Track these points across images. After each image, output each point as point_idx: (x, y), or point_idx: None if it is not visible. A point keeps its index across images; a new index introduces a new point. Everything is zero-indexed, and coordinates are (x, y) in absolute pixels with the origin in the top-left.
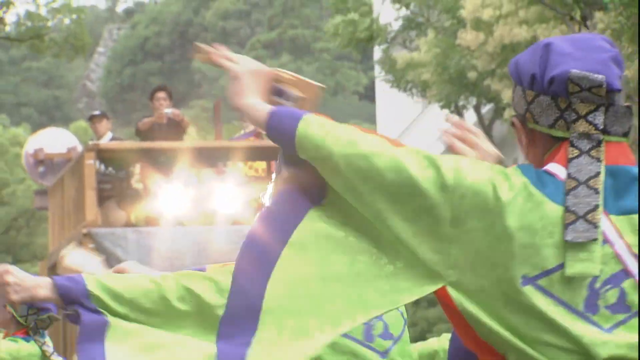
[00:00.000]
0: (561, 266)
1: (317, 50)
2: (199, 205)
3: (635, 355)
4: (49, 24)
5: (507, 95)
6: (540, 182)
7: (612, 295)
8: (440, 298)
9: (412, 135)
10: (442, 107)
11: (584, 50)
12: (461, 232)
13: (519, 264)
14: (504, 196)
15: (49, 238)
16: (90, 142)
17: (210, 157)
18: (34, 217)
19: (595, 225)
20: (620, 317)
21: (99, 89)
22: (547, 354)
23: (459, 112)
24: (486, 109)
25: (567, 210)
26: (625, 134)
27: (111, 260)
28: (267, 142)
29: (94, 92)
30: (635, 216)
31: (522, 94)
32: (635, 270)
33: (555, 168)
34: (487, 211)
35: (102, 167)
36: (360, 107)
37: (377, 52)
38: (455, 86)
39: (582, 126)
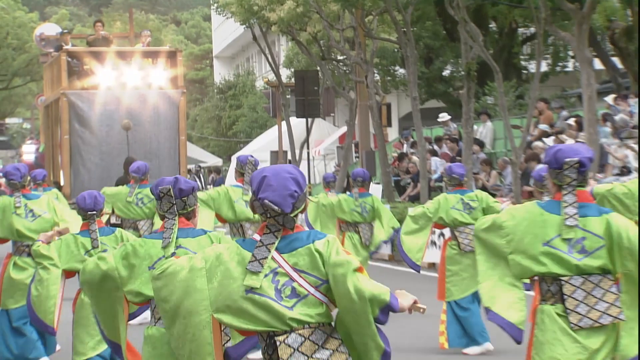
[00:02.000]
0: None
1: None
2: (118, 79)
3: (310, 319)
4: None
5: (274, 17)
6: (246, 245)
7: (288, 290)
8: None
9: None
10: (241, 24)
11: (279, 185)
12: (214, 285)
13: (241, 286)
14: (224, 258)
15: (44, 89)
16: (64, 47)
17: (124, 55)
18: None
19: (262, 266)
20: (294, 300)
21: None
22: (263, 325)
23: (249, 26)
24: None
25: (252, 255)
26: (292, 228)
27: (75, 107)
28: (152, 48)
29: None
30: (295, 252)
31: (253, 196)
32: (295, 276)
33: (256, 236)
34: (220, 271)
35: (72, 59)
36: None
37: None
38: (247, 13)
39: (272, 221)
